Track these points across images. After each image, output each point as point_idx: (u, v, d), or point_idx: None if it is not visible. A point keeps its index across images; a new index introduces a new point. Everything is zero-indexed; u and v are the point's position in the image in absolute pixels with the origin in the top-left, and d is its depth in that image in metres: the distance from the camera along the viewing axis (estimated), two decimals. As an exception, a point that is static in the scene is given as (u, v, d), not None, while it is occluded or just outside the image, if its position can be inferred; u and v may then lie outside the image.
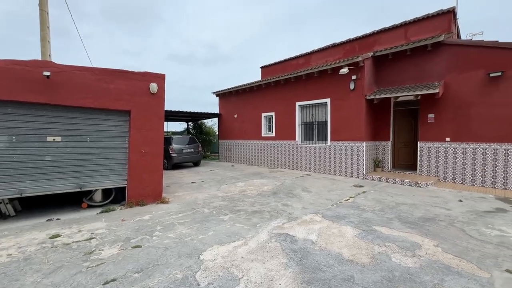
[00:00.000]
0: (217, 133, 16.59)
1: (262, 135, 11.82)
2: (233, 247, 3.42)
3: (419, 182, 7.03)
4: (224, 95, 14.05)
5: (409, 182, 7.20)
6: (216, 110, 14.72)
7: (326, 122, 9.28)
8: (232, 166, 12.24)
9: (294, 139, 10.36)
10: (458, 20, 9.80)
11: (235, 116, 13.27)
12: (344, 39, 11.33)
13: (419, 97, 7.73)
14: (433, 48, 7.59)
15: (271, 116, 11.39)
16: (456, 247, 3.38)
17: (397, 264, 2.96)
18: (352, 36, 11.23)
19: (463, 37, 11.13)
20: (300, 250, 3.32)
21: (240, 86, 12.65)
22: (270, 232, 3.93)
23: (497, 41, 6.55)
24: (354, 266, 2.92)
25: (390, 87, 8.45)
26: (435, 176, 7.63)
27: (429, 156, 7.76)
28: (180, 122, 19.27)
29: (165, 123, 21.81)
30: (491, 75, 6.50)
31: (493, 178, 6.70)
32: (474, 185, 6.97)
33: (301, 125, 10.24)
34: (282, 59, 14.16)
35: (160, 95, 5.74)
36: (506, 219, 4.48)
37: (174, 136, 12.01)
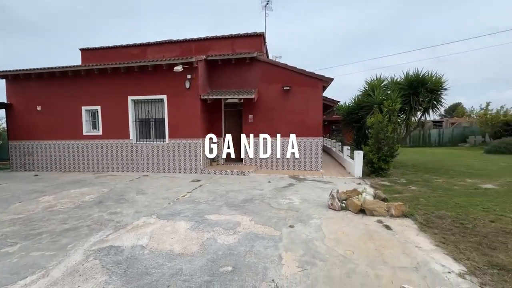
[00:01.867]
0: (5, 132, 11.56)
1: (84, 133, 9.56)
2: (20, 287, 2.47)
3: (244, 171, 8.49)
4: (17, 78, 9.94)
5: (237, 172, 8.51)
6: (3, 98, 10.17)
7: (163, 119, 8.99)
8: (36, 176, 9.01)
9: (128, 137, 9.22)
10: (267, 43, 12.73)
11: (39, 108, 9.82)
12: (182, 38, 11.45)
13: (242, 100, 9.31)
14: (250, 61, 9.38)
15: (97, 110, 9.46)
16: (263, 218, 4.35)
17: (221, 244, 3.36)
18: (190, 37, 11.54)
19: (270, 57, 14.64)
20: (126, 260, 2.96)
21: (47, 68, 9.46)
22: (88, 250, 3.23)
23: (287, 64, 9.15)
24: (183, 258, 2.99)
25: (221, 90, 9.53)
26: (255, 164, 9.53)
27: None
28: None
29: None
30: (284, 88, 9.00)
31: (287, 162, 9.33)
32: (277, 169, 9.38)
33: (135, 122, 9.27)
34: (111, 45, 12.13)
35: None
36: (293, 190, 6.35)
37: None
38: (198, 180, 7.66)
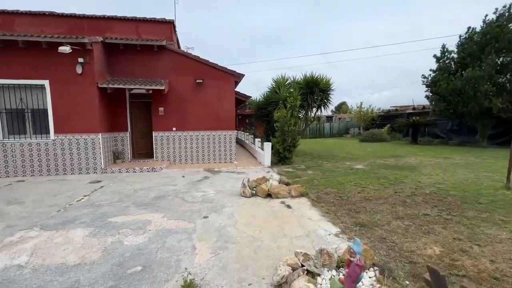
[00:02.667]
0: None
1: None
2: None
3: (155, 167, 7.95)
4: None
5: (147, 168, 7.89)
6: None
7: (45, 111, 7.29)
8: None
9: (-11, 133, 7.03)
10: (177, 32, 12.08)
11: None
12: (69, 12, 9.41)
13: (151, 92, 8.60)
14: (159, 50, 8.72)
15: None
16: (177, 213, 4.27)
17: (129, 245, 3.13)
18: (80, 12, 9.59)
19: (182, 48, 14.00)
20: (-5, 286, 2.36)
21: None
22: None
23: (199, 56, 9.02)
24: (81, 269, 2.64)
25: (124, 79, 8.48)
26: (168, 160, 9.06)
27: (162, 144, 9.00)
28: None
29: None
30: (197, 81, 8.86)
31: (202, 156, 9.32)
32: (192, 163, 9.24)
33: (0, 112, 7.14)
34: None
35: None
36: (208, 183, 6.45)
37: None
38: (99, 181, 6.68)
